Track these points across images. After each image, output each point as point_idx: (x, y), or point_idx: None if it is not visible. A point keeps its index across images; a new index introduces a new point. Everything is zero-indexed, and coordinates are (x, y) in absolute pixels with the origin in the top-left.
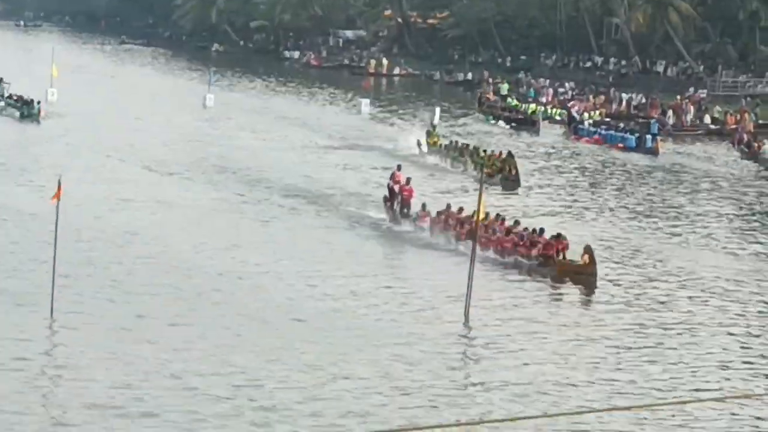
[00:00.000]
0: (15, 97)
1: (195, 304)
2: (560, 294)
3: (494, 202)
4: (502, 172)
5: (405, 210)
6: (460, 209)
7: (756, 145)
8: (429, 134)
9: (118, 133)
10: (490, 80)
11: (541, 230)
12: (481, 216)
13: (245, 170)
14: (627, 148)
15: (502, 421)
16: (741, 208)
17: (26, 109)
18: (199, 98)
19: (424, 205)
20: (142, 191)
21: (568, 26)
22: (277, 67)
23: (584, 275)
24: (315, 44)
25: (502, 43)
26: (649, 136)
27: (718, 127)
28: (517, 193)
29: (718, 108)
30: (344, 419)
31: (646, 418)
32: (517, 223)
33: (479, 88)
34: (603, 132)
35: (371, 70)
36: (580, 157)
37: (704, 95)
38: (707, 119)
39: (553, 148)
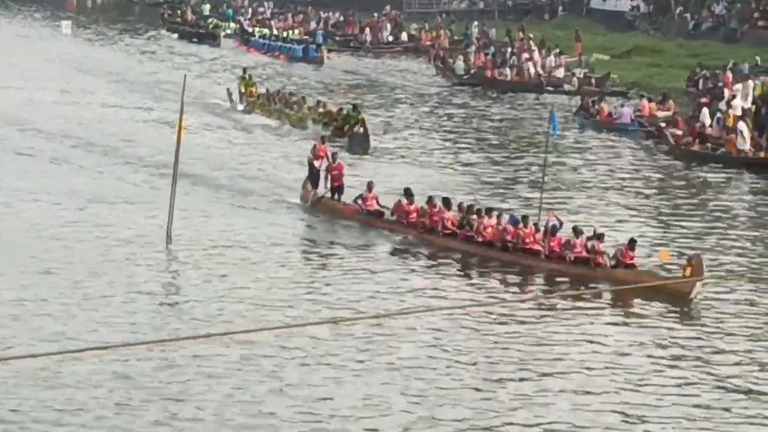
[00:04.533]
0: None
1: None
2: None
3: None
4: (345, 130)
5: (337, 195)
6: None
7: (451, 60)
8: (243, 81)
9: None
10: (191, 1)
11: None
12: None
13: None
14: (293, 58)
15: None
16: (435, 120)
17: None
18: None
19: (370, 185)
20: None
21: None
22: None
23: (667, 292)
24: None
25: None
26: (313, 46)
27: (413, 44)
28: (367, 156)
29: (414, 25)
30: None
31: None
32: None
33: (180, 9)
34: (271, 43)
35: None
36: (252, 66)
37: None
38: (404, 36)
39: (231, 59)
